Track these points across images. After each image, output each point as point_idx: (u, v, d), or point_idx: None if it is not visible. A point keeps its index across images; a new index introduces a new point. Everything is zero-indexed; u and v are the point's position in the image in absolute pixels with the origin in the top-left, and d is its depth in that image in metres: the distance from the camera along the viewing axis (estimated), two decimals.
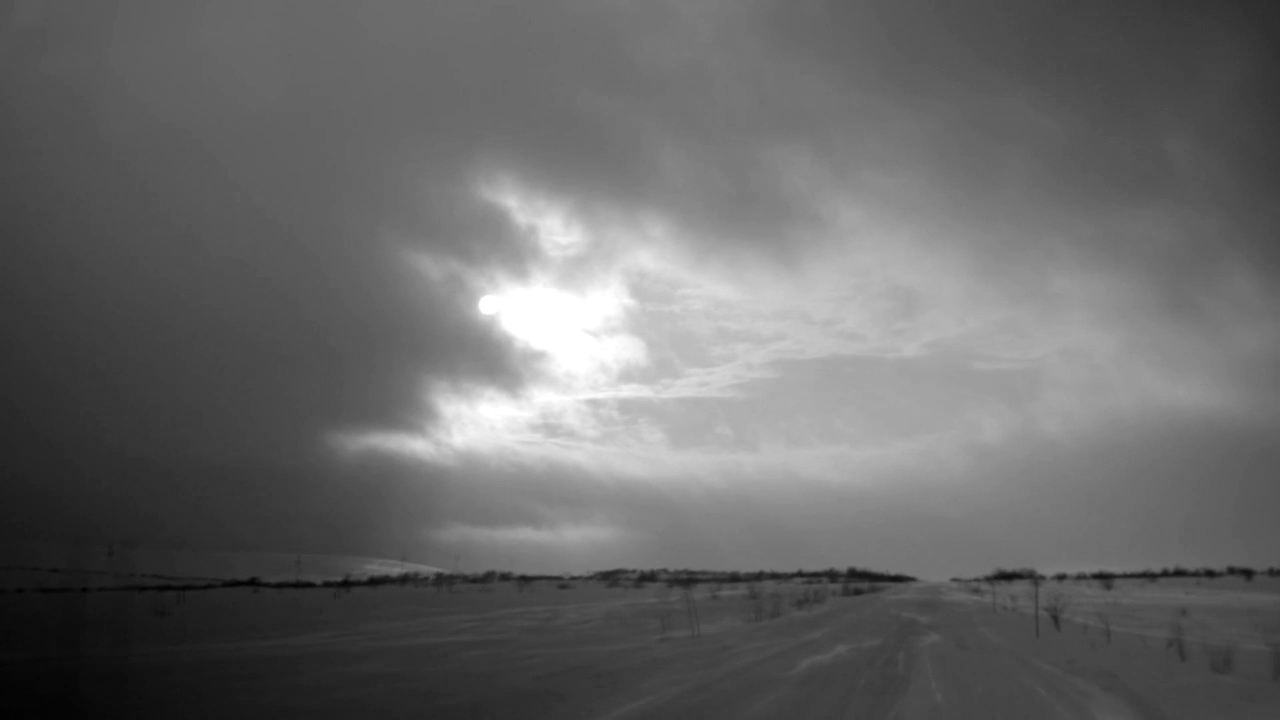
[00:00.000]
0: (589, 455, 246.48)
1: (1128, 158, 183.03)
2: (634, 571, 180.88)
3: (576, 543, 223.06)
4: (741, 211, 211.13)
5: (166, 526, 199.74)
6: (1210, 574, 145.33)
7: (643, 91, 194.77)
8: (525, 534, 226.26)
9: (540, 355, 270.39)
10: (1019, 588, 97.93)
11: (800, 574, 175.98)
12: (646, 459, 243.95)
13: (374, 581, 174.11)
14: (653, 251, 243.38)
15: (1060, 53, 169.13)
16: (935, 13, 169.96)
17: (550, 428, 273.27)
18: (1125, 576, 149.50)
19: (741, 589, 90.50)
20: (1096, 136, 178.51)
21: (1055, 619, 33.45)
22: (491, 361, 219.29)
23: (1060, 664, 20.24)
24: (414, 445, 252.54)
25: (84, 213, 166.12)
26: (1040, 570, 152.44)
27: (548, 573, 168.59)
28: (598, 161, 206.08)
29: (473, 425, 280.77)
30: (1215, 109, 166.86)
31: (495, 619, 42.64)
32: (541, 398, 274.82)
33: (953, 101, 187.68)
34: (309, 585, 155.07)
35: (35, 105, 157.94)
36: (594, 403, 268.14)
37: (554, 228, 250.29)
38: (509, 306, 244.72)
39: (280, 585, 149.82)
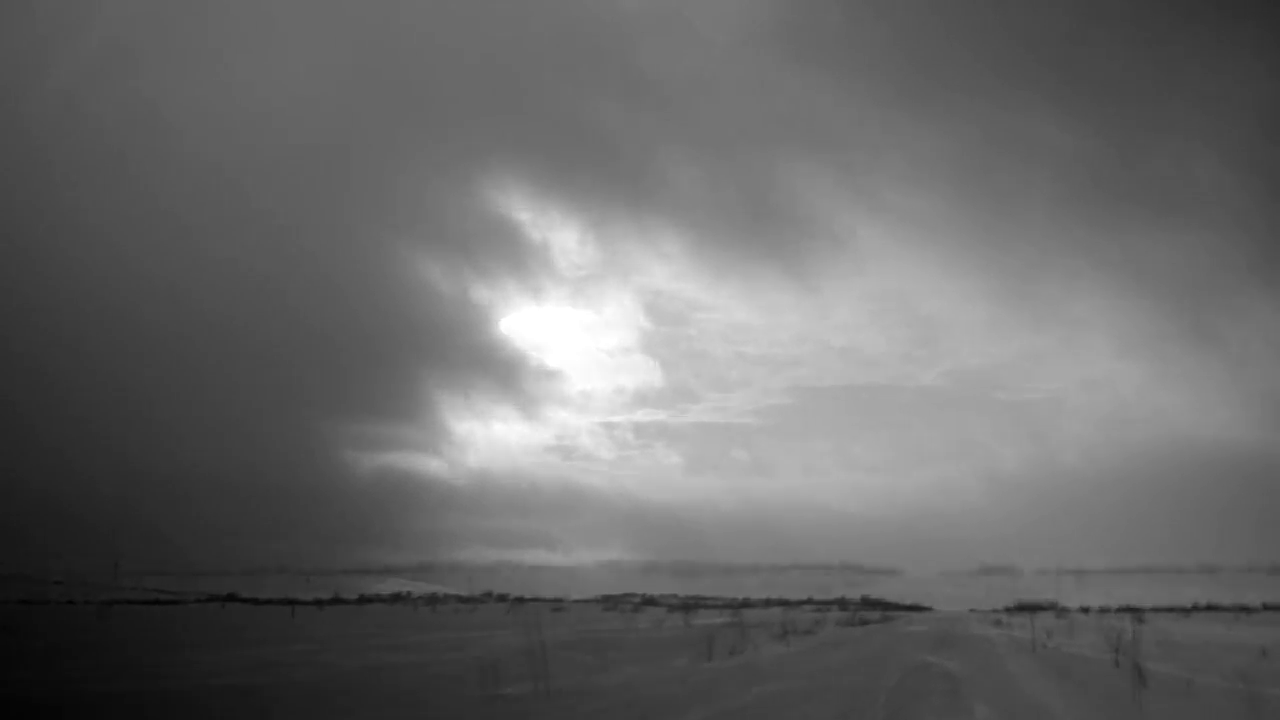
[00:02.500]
0: (604, 478, 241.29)
1: (1154, 180, 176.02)
2: (637, 596, 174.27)
3: (589, 566, 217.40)
4: (759, 230, 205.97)
5: (175, 540, 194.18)
6: (1245, 610, 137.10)
7: (658, 106, 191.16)
8: (539, 555, 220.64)
9: (554, 375, 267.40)
10: (1046, 620, 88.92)
11: (811, 601, 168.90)
12: (662, 483, 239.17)
13: (363, 600, 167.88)
14: (668, 270, 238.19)
15: (1087, 72, 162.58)
16: (958, 30, 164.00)
17: (565, 449, 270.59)
18: (1155, 610, 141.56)
19: (728, 616, 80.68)
20: (1122, 159, 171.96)
21: (1140, 672, 22.27)
22: (505, 380, 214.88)
23: None
24: (427, 463, 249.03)
25: (95, 221, 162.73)
26: (1062, 602, 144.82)
27: (559, 595, 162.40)
28: (612, 176, 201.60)
29: (486, 444, 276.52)
30: (1245, 133, 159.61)
31: (355, 650, 32.40)
32: (556, 418, 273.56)
33: (975, 121, 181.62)
34: (295, 602, 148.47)
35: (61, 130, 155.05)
36: (609, 425, 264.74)
37: (567, 244, 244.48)
38: (523, 324, 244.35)
39: (263, 602, 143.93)
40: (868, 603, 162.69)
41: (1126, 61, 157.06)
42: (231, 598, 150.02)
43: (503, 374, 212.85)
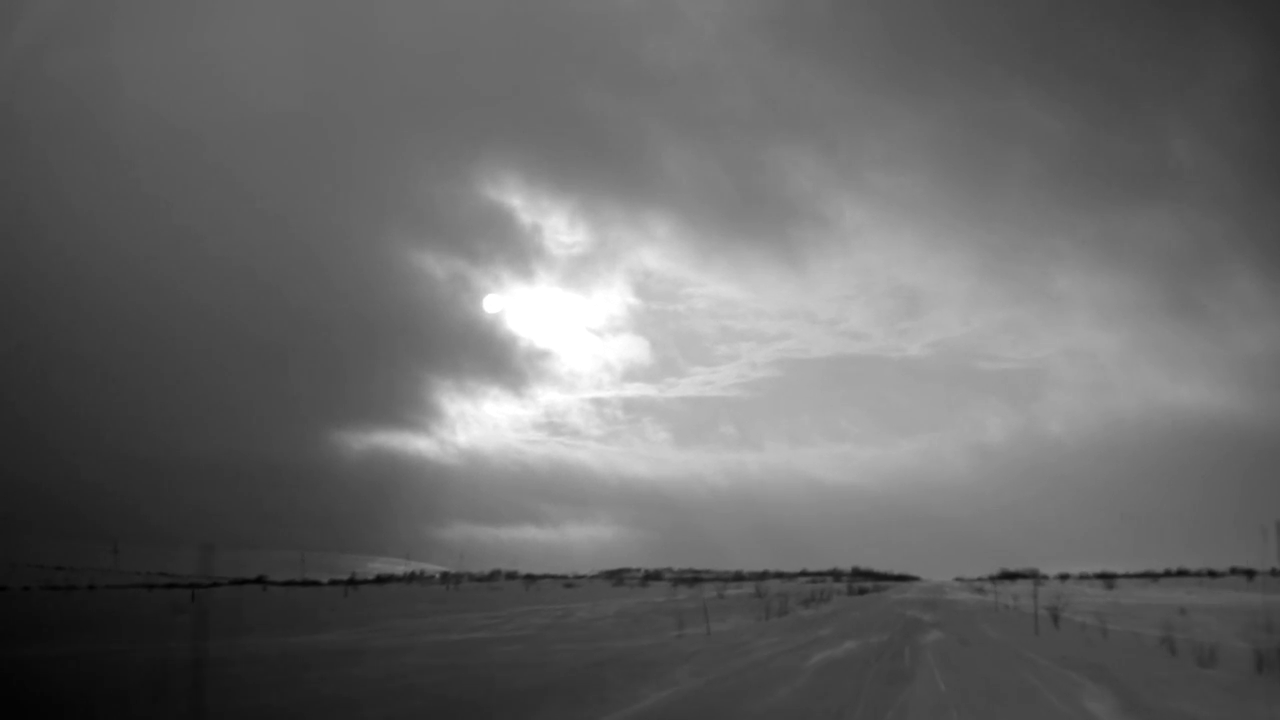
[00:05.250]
0: (593, 454, 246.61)
1: (1131, 158, 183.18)
2: (639, 570, 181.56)
3: (580, 541, 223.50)
4: (746, 211, 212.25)
5: (172, 525, 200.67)
6: (1213, 574, 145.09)
7: (648, 91, 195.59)
8: (529, 532, 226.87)
9: (544, 354, 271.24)
10: (1021, 587, 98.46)
11: (805, 573, 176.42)
12: (650, 458, 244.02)
13: (380, 580, 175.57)
14: (657, 251, 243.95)
15: (1064, 53, 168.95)
16: (939, 13, 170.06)
17: (554, 426, 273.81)
18: (1128, 576, 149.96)
19: (747, 588, 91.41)
20: (1100, 137, 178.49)
21: (1055, 618, 34.46)
22: (496, 360, 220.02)
23: (1054, 658, 21.26)
24: (418, 444, 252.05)
25: (88, 212, 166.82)
26: (1043, 570, 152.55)
27: (551, 571, 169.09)
28: (602, 161, 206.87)
29: (476, 424, 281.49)
30: (1219, 110, 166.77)
31: (513, 616, 43.71)
32: (545, 396, 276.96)
33: (957, 102, 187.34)
34: (316, 583, 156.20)
35: (40, 105, 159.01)
36: (598, 401, 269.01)
37: (558, 227, 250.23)
38: (513, 305, 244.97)
39: (289, 583, 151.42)
40: (859, 573, 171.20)
41: (1104, 43, 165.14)
42: (261, 580, 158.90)
43: (494, 355, 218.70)
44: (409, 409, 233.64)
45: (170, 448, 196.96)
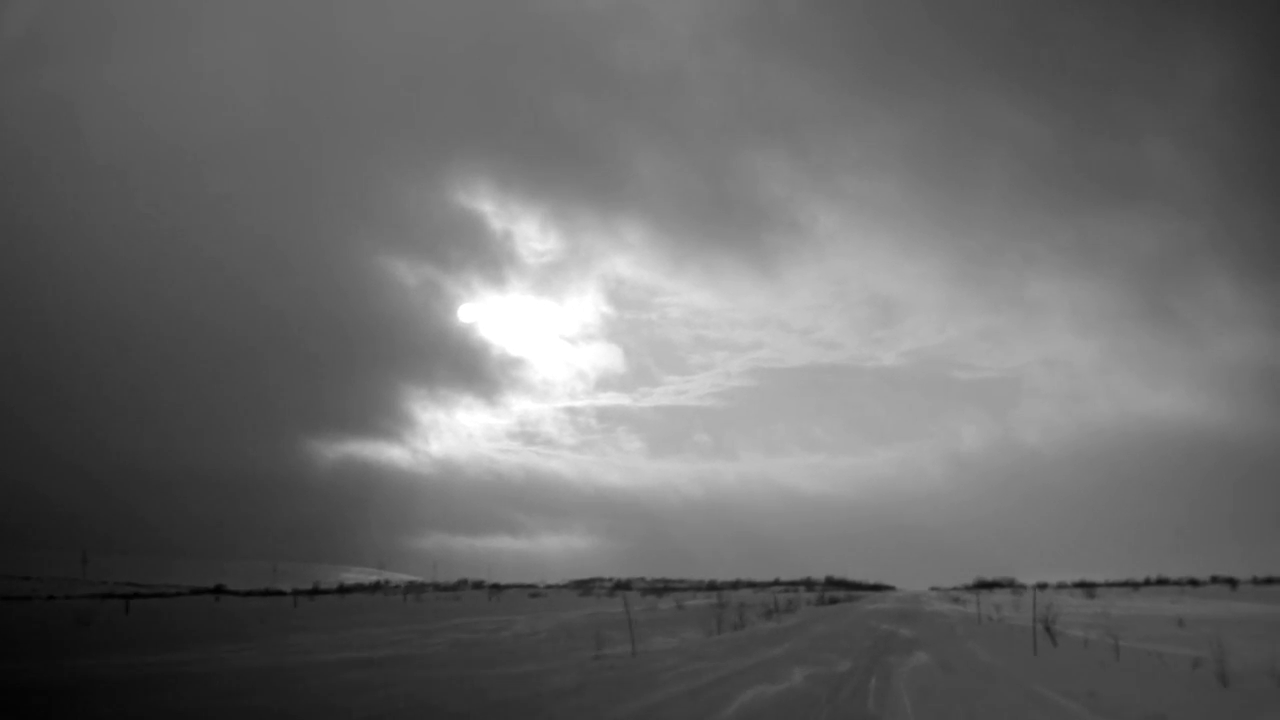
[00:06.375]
0: (567, 463, 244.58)
1: (1108, 163, 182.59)
2: (609, 580, 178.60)
3: (555, 551, 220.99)
4: (719, 217, 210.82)
5: (145, 532, 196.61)
6: (1194, 583, 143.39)
7: (619, 96, 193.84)
8: (504, 542, 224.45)
9: (517, 362, 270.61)
10: (1000, 597, 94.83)
11: (778, 582, 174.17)
12: (625, 467, 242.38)
13: (343, 590, 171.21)
14: (630, 257, 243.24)
15: (1041, 57, 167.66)
16: (915, 16, 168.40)
17: (528, 435, 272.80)
18: (1108, 585, 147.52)
19: (711, 598, 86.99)
20: (1077, 141, 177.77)
21: (1050, 632, 29.69)
22: (468, 369, 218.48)
23: (1079, 696, 15.75)
24: (391, 453, 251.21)
25: (70, 219, 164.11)
26: (1020, 579, 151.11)
27: (525, 580, 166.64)
28: (574, 167, 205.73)
29: (450, 433, 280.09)
30: (1196, 114, 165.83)
31: (433, 631, 38.65)
32: (519, 405, 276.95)
33: (933, 105, 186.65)
34: (279, 593, 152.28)
35: (29, 116, 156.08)
36: (572, 410, 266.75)
37: (530, 233, 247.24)
38: (486, 313, 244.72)
39: (249, 593, 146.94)
40: (832, 582, 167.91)
41: (1081, 46, 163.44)
42: (220, 589, 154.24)
43: (466, 363, 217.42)
44: (382, 417, 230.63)
45: (146, 458, 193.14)
